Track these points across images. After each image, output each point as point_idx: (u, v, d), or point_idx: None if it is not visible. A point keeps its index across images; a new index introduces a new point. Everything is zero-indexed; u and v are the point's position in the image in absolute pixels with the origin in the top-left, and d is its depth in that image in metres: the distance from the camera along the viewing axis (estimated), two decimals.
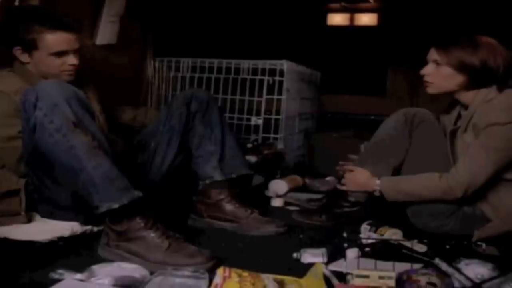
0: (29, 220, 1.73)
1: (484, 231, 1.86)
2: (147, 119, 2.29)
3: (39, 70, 1.85)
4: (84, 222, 1.74)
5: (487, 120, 1.79)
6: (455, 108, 2.03)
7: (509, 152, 1.80)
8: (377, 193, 1.99)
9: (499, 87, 1.85)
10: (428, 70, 1.93)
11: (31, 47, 1.81)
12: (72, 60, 1.86)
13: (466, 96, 1.91)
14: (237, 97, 3.16)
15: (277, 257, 1.67)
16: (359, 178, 2.04)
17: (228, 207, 2.00)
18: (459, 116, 1.99)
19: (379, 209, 2.07)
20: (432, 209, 1.92)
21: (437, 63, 1.90)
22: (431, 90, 1.95)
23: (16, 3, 2.08)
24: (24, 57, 1.83)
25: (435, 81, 1.92)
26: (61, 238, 1.68)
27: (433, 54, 1.91)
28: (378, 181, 1.97)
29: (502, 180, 1.85)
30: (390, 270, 1.38)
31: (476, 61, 1.82)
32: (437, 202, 1.89)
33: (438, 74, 1.90)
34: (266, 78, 3.06)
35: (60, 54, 1.83)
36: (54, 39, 1.81)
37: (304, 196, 2.57)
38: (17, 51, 1.82)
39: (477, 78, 1.84)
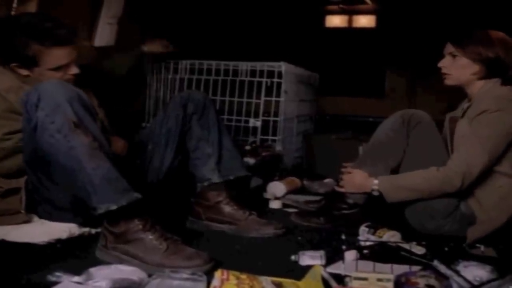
0: (29, 220, 1.72)
1: (474, 231, 1.88)
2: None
3: (40, 81, 1.78)
4: (82, 224, 1.74)
5: (479, 108, 1.85)
6: (460, 104, 2.07)
7: (501, 139, 1.83)
8: (375, 193, 2.00)
9: (504, 82, 1.90)
10: (445, 63, 1.98)
11: (30, 64, 1.77)
12: (73, 70, 1.84)
13: (474, 88, 1.95)
14: (235, 99, 3.15)
15: (275, 259, 1.67)
16: (356, 179, 2.06)
17: (227, 209, 1.99)
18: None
19: (377, 211, 2.07)
20: (429, 210, 1.92)
21: (453, 55, 1.95)
22: (448, 81, 1.99)
23: (14, 5, 2.08)
24: (23, 71, 1.79)
25: (452, 72, 1.97)
26: (58, 240, 1.68)
27: (449, 48, 1.97)
28: (376, 181, 1.99)
29: (488, 170, 1.87)
30: (389, 272, 1.39)
31: (491, 53, 1.88)
32: (438, 198, 1.89)
33: (455, 65, 1.95)
34: (264, 80, 3.06)
35: (60, 68, 1.81)
36: (54, 56, 1.78)
37: (303, 198, 2.57)
38: (15, 67, 1.78)
39: (491, 67, 1.90)
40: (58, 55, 1.79)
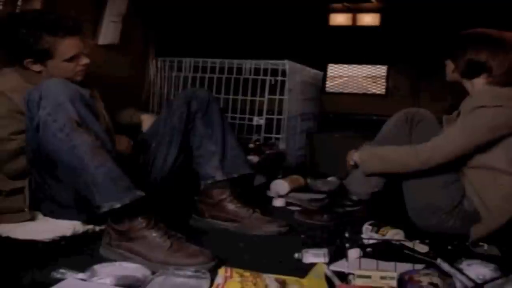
0: (33, 217, 1.73)
1: (477, 230, 1.87)
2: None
3: (53, 76, 1.81)
4: (86, 222, 1.74)
5: (475, 103, 1.86)
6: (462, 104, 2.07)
7: (486, 132, 1.84)
8: (352, 162, 2.09)
9: (502, 83, 1.89)
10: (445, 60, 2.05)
11: (44, 57, 1.79)
12: (84, 60, 1.87)
13: (473, 86, 1.96)
14: (239, 97, 3.16)
15: (279, 257, 1.67)
16: (349, 155, 2.14)
17: (230, 206, 2.00)
18: None
19: (381, 209, 2.07)
20: (432, 206, 1.93)
21: None
22: (447, 77, 2.06)
23: (19, 3, 2.09)
24: (37, 67, 1.81)
25: (446, 69, 2.03)
26: (63, 238, 1.68)
27: None
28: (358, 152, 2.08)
29: (487, 168, 1.88)
30: (392, 270, 1.38)
31: (465, 54, 1.92)
32: (440, 193, 1.91)
33: (447, 63, 2.02)
34: (268, 78, 3.06)
35: (73, 58, 1.84)
36: (67, 46, 1.81)
37: (306, 196, 2.57)
38: (29, 63, 1.80)
39: (467, 67, 1.93)
40: (71, 45, 1.82)
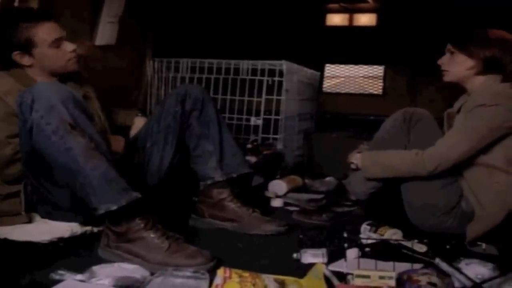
0: (30, 220, 1.72)
1: (473, 229, 1.88)
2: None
3: (45, 68, 1.84)
4: (83, 223, 1.73)
5: (475, 102, 1.86)
6: (459, 99, 2.07)
7: (488, 133, 1.84)
8: (353, 166, 2.08)
9: (504, 78, 1.91)
10: (443, 60, 2.02)
11: (29, 46, 1.79)
12: (70, 46, 1.87)
13: (474, 83, 1.96)
14: (237, 97, 3.16)
15: (278, 257, 1.68)
16: (350, 157, 2.13)
17: (231, 206, 1.99)
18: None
19: (379, 209, 2.07)
20: (430, 206, 1.93)
21: (451, 52, 1.98)
22: (446, 78, 2.02)
23: (16, 4, 2.09)
24: (26, 60, 1.81)
25: (450, 69, 2.00)
26: (61, 239, 1.68)
27: (448, 46, 2.00)
28: (359, 155, 2.07)
29: (484, 166, 1.88)
30: (391, 270, 1.38)
31: (487, 52, 1.90)
32: (439, 194, 1.91)
33: (453, 61, 1.98)
34: (265, 78, 3.07)
35: (57, 42, 1.83)
36: (46, 31, 1.80)
37: (304, 196, 2.57)
38: (17, 56, 1.79)
39: (487, 64, 1.91)
40: (49, 29, 1.81)
